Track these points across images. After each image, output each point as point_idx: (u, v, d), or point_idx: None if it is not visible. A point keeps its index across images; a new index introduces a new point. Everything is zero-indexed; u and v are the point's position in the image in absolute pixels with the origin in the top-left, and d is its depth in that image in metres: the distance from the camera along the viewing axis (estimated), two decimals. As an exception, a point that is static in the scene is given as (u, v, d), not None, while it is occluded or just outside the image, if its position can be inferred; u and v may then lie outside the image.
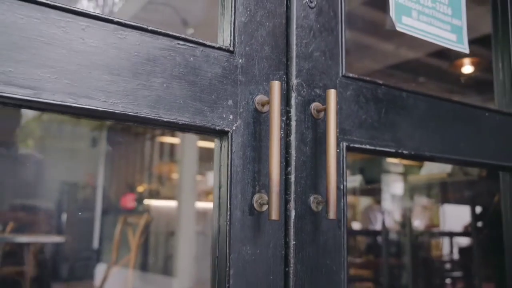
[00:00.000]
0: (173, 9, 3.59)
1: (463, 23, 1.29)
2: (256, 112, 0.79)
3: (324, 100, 0.84)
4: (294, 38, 0.85)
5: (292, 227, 0.80)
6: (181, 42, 0.73)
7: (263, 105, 0.79)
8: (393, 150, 0.94)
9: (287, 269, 0.79)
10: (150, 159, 6.93)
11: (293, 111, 0.82)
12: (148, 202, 5.67)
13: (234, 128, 0.76)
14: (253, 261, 0.76)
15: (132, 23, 0.70)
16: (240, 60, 0.79)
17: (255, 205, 0.76)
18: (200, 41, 0.75)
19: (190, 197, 5.84)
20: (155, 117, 0.70)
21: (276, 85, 0.75)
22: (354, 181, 3.24)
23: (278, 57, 0.83)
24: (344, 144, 0.87)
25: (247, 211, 0.76)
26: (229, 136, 0.76)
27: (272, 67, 0.82)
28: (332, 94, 0.79)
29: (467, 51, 1.28)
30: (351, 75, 0.91)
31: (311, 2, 0.87)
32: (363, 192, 3.60)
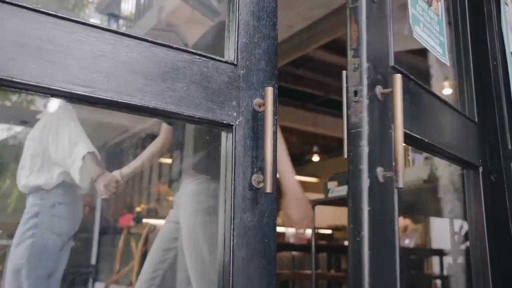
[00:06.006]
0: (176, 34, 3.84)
1: (445, 39, 1.54)
2: (254, 112, 1.01)
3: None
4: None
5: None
6: (197, 57, 0.96)
7: (259, 106, 1.01)
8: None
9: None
10: (149, 179, 7.11)
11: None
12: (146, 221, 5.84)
13: (237, 123, 0.98)
14: (252, 226, 0.97)
15: (161, 42, 0.92)
16: (242, 71, 1.02)
17: (253, 182, 0.98)
18: (212, 56, 0.98)
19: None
20: (178, 112, 0.92)
21: (270, 91, 0.97)
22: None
23: (271, 70, 1.06)
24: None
25: (247, 187, 0.97)
26: (234, 129, 0.98)
27: (267, 77, 1.05)
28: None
29: (448, 63, 1.54)
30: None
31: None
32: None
